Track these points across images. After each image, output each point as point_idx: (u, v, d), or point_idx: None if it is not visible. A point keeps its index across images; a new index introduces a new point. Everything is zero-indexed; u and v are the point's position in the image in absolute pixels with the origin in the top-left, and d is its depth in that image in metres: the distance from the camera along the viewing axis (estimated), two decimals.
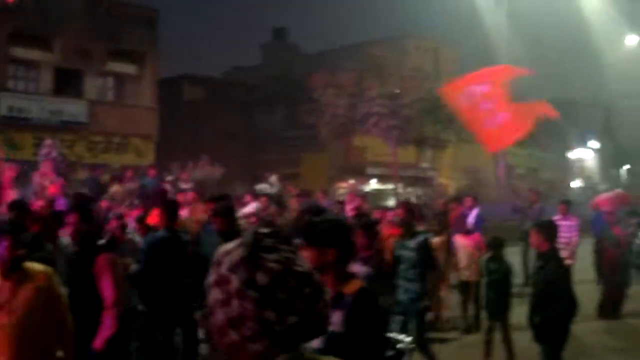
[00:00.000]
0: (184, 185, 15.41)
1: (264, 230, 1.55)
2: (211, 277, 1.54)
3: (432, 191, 31.33)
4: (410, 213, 7.52)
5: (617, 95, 54.43)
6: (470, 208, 11.82)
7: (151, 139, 25.20)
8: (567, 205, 11.67)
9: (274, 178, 18.53)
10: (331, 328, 2.87)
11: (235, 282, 1.48)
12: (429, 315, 8.49)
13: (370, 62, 24.79)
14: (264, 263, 1.48)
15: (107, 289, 4.95)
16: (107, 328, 4.85)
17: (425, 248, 7.21)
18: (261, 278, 1.47)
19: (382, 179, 32.01)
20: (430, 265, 7.31)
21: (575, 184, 45.63)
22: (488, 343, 7.58)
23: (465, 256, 9.27)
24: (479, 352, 7.73)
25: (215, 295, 1.51)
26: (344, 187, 31.19)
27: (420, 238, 7.27)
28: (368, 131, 24.97)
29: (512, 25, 27.99)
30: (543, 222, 6.92)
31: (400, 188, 31.27)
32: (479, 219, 11.51)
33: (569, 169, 48.22)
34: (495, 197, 28.65)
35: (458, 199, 13.69)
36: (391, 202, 26.40)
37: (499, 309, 7.51)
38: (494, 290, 7.58)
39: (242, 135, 33.25)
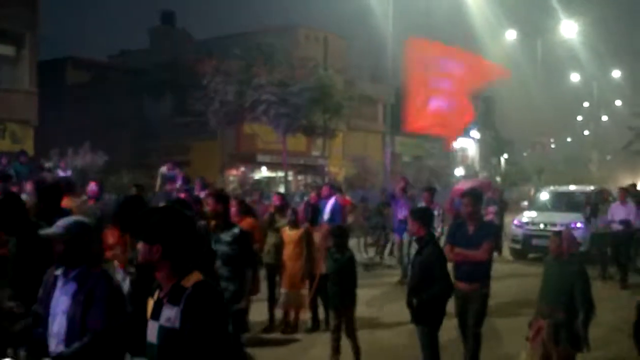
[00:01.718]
0: (61, 173, 14.91)
1: None
2: None
3: (321, 179, 31.82)
4: (222, 203, 6.65)
5: (497, 87, 57.17)
6: (327, 197, 11.81)
7: (30, 124, 24.03)
8: (431, 193, 12.15)
9: (164, 168, 17.90)
10: (167, 324, 2.87)
11: None
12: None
13: (259, 50, 24.76)
14: None
15: None
16: None
17: (241, 242, 6.48)
18: None
19: (272, 166, 32.16)
20: (249, 261, 6.63)
21: (458, 171, 47.61)
22: (336, 341, 7.11)
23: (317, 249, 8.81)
24: (325, 352, 7.36)
25: None
26: (234, 175, 31.17)
27: (236, 230, 6.55)
28: (257, 119, 24.96)
29: (399, 16, 28.72)
30: (418, 209, 7.61)
31: (290, 176, 31.55)
32: (336, 207, 11.46)
33: (452, 157, 50.20)
34: (381, 185, 29.44)
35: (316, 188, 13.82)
36: (281, 190, 26.64)
37: (344, 303, 7.08)
38: (337, 283, 7.09)
39: (129, 122, 32.35)
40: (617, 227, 13.45)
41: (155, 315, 2.94)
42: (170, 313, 2.87)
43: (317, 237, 8.93)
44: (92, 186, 10.02)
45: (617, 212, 13.70)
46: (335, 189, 12.86)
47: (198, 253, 3.09)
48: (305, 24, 38.58)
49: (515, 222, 17.54)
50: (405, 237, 12.00)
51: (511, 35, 44.36)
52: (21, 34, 24.20)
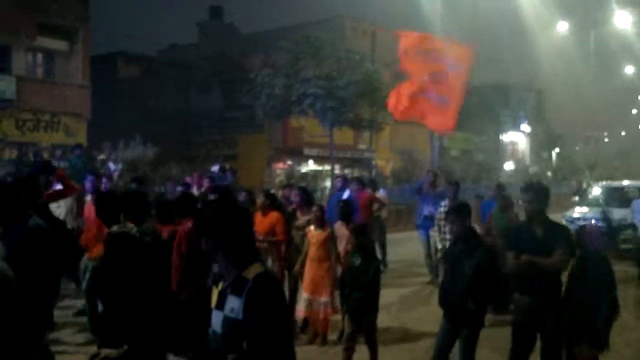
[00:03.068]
0: (112, 166, 15.19)
1: None
2: None
3: (369, 172, 31.72)
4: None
5: (548, 80, 56.03)
6: (340, 190, 11.21)
7: (82, 117, 24.60)
8: (456, 188, 11.02)
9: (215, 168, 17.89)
10: (231, 314, 2.92)
11: None
12: None
13: (306, 43, 24.78)
14: None
15: None
16: None
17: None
18: None
19: (319, 160, 32.19)
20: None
21: (508, 166, 46.90)
22: (348, 351, 6.41)
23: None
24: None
25: None
26: (281, 168, 31.33)
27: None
28: (304, 112, 25.01)
29: (447, 9, 28.32)
30: (458, 204, 6.64)
31: (337, 169, 31.53)
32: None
33: (501, 152, 49.48)
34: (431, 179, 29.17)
35: (288, 185, 12.99)
36: (327, 184, 26.68)
37: (364, 310, 6.41)
38: (357, 287, 6.35)
39: (177, 115, 32.80)
40: None
41: (220, 305, 3.00)
42: (233, 304, 2.93)
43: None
44: (88, 181, 9.29)
45: None
46: (362, 182, 11.89)
47: (251, 245, 3.13)
48: (351, 16, 38.39)
49: (566, 217, 17.14)
50: (432, 235, 11.37)
51: (563, 27, 43.31)
52: (74, 28, 24.76)
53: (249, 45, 30.01)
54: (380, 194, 14.07)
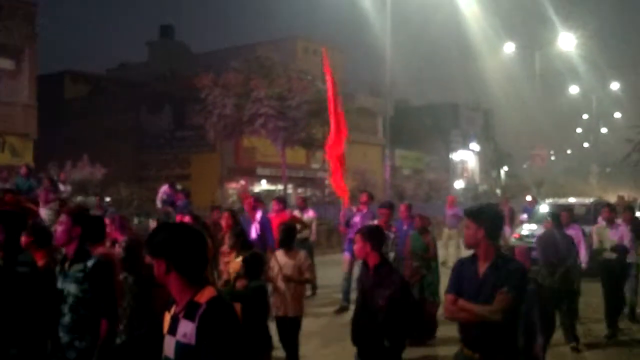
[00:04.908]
0: (62, 187, 14.82)
1: None
2: None
3: (321, 192, 31.78)
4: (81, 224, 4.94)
5: (496, 99, 57.33)
6: (252, 211, 10.28)
7: (29, 137, 24.03)
8: (390, 210, 9.75)
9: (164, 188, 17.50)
10: (184, 340, 2.86)
11: None
12: None
13: (257, 62, 24.79)
14: None
15: None
16: None
17: (94, 279, 4.65)
18: None
19: (272, 179, 32.12)
20: (107, 308, 4.64)
21: (458, 184, 47.58)
22: None
23: None
24: None
25: None
26: (233, 188, 31.15)
27: (89, 263, 4.61)
28: (256, 132, 24.93)
29: (398, 30, 28.78)
30: (369, 227, 5.74)
31: (290, 189, 31.50)
32: (265, 224, 9.98)
33: (452, 170, 50.23)
34: (382, 198, 29.38)
35: (215, 207, 12.05)
36: None
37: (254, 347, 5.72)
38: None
39: (127, 135, 32.37)
40: (609, 255, 9.74)
41: (172, 330, 2.95)
42: (186, 329, 2.87)
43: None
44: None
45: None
46: (283, 202, 11.20)
47: (204, 268, 3.04)
48: (303, 36, 38.67)
49: (515, 235, 17.43)
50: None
51: (509, 48, 44.43)
52: (20, 47, 24.26)
53: (200, 65, 29.83)
54: (309, 214, 13.25)
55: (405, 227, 10.07)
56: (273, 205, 11.22)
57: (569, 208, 11.09)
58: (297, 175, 32.78)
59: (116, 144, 30.33)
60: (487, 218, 4.23)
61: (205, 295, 2.92)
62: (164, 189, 15.57)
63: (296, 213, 13.14)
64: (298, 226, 10.46)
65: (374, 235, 5.20)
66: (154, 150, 32.33)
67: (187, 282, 2.94)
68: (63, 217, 4.78)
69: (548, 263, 8.80)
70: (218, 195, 25.34)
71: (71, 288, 4.52)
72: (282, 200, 11.87)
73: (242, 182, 31.29)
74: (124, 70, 41.16)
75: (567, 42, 42.18)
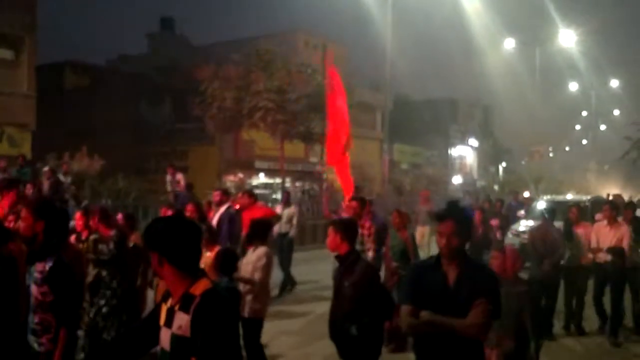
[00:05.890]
0: (63, 178, 14.91)
1: None
2: None
3: (319, 186, 31.80)
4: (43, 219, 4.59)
5: (495, 95, 57.29)
6: (219, 205, 10.04)
7: (27, 128, 24.01)
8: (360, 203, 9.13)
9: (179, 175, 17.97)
10: (179, 332, 2.88)
11: None
12: None
13: (258, 56, 24.77)
14: None
15: None
16: None
17: (54, 281, 4.31)
18: None
19: (270, 173, 32.13)
20: (65, 313, 4.27)
21: (456, 179, 47.62)
22: None
23: None
24: None
25: None
26: (231, 181, 31.14)
27: (49, 263, 4.27)
28: (255, 125, 24.94)
29: (398, 24, 28.76)
30: (341, 220, 5.90)
31: (288, 182, 31.50)
32: (227, 219, 9.64)
33: (450, 166, 50.27)
34: (379, 192, 29.42)
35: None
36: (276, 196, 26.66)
37: None
38: None
39: (127, 126, 32.33)
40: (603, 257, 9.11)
41: (168, 322, 2.96)
42: (181, 321, 2.89)
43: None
44: None
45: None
46: (253, 196, 10.87)
47: (198, 260, 3.08)
48: (304, 29, 38.61)
49: (512, 230, 17.48)
50: None
51: (510, 43, 44.39)
52: (20, 37, 24.20)
53: (200, 57, 29.81)
54: (290, 209, 13.05)
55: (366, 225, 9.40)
56: (214, 197, 10.61)
57: (578, 205, 10.34)
58: (295, 169, 32.78)
59: (115, 136, 30.29)
60: (459, 220, 3.74)
61: (200, 287, 2.93)
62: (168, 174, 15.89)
63: (278, 207, 13.12)
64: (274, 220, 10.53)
65: (345, 227, 5.12)
66: (153, 142, 32.30)
67: (181, 275, 2.95)
68: (24, 212, 4.48)
69: (537, 255, 9.06)
70: (217, 188, 25.33)
71: (32, 288, 4.29)
72: (252, 193, 11.48)
73: (240, 175, 31.30)
74: (124, 62, 41.09)
75: (568, 38, 42.19)
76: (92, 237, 7.04)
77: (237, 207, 10.62)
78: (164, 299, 3.09)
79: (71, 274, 4.35)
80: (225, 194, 10.50)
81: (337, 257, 5.12)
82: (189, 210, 8.25)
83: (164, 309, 3.05)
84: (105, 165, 21.18)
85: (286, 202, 13.38)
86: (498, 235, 13.55)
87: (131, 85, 34.57)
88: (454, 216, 3.75)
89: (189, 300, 2.90)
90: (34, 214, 4.38)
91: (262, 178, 33.14)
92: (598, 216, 11.53)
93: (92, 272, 6.58)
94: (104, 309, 6.44)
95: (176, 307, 2.94)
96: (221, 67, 24.58)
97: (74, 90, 34.46)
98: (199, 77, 24.35)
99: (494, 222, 13.70)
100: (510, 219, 17.69)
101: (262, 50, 24.99)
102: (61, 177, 16.19)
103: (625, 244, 8.84)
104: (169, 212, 8.46)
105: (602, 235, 9.09)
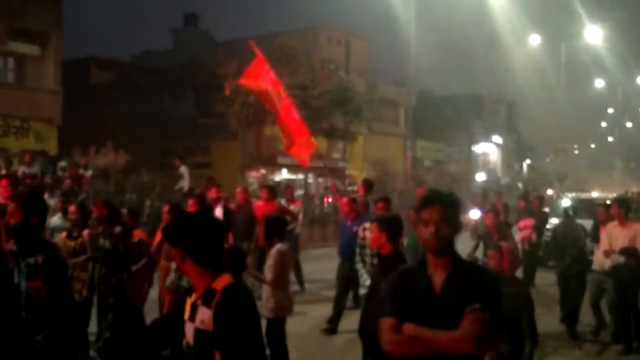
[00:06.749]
0: (82, 172, 15.07)
1: None
2: None
3: (342, 182, 31.78)
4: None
5: (520, 91, 56.76)
6: (215, 203, 9.95)
7: (54, 123, 24.29)
8: (387, 204, 8.80)
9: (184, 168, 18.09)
10: (202, 326, 2.92)
11: None
12: None
13: (281, 51, 24.79)
14: None
15: None
16: None
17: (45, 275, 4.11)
18: None
19: (292, 169, 32.17)
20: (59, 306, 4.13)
21: (480, 176, 47.32)
22: None
23: None
24: None
25: None
26: (254, 177, 31.26)
27: (38, 258, 4.07)
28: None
29: (422, 19, 28.62)
30: (386, 217, 5.59)
31: (310, 178, 31.54)
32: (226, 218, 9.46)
33: (473, 162, 49.92)
34: (402, 188, 29.37)
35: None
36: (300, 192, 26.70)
37: None
38: None
39: (150, 122, 32.57)
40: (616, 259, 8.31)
41: (192, 317, 3.01)
42: (203, 316, 2.93)
43: None
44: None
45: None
46: (273, 192, 10.65)
47: (220, 256, 3.11)
48: (326, 25, 38.54)
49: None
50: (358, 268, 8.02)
51: (535, 39, 43.98)
52: (46, 33, 24.47)
53: (223, 53, 29.89)
54: (295, 205, 12.86)
55: (349, 224, 9.12)
56: (262, 194, 10.71)
57: (605, 204, 9.48)
58: (318, 165, 32.79)
59: (139, 130, 30.53)
60: (445, 210, 3.10)
61: (222, 282, 2.98)
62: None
63: (283, 203, 12.64)
64: (288, 218, 9.91)
65: (390, 226, 4.89)
66: (177, 137, 32.51)
67: (204, 270, 3.00)
68: (12, 206, 4.22)
69: (558, 247, 9.29)
70: (239, 183, 25.43)
71: (23, 284, 4.05)
72: (272, 189, 11.35)
73: (263, 171, 31.39)
74: (148, 58, 41.38)
75: (594, 34, 41.67)
76: (87, 232, 6.96)
77: (233, 206, 10.67)
78: (188, 294, 3.13)
79: (64, 267, 4.26)
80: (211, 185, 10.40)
81: (378, 256, 5.02)
82: (191, 205, 8.09)
83: (188, 304, 3.10)
84: (130, 160, 21.35)
85: (290, 198, 13.22)
86: (533, 237, 12.86)
87: (155, 80, 34.80)
88: (442, 200, 3.10)
89: (211, 295, 2.94)
90: (22, 208, 4.14)
91: (284, 174, 33.19)
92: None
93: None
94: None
95: (199, 302, 2.98)
96: (244, 63, 24.62)
97: (99, 85, 34.79)
98: (222, 72, 24.43)
99: (528, 222, 12.98)
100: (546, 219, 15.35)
101: (285, 46, 25.01)
102: (81, 171, 16.39)
103: (639, 244, 8.11)
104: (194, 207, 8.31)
105: (614, 236, 8.37)
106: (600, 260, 8.49)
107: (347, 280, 9.11)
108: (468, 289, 2.94)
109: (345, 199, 9.75)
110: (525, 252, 12.37)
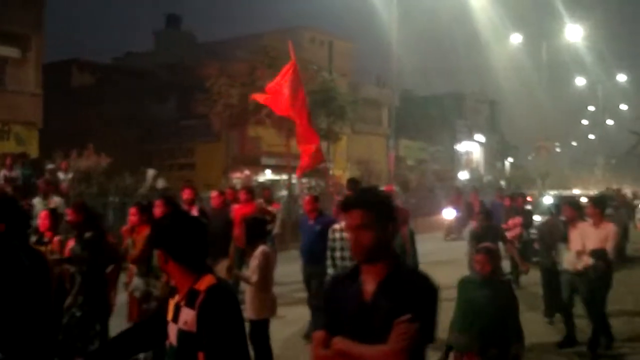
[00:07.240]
0: (62, 175, 14.93)
1: None
2: None
3: (325, 182, 31.79)
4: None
5: (502, 90, 57.13)
6: (190, 205, 9.56)
7: (35, 126, 24.11)
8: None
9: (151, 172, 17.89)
10: (185, 327, 2.92)
11: None
12: None
13: (263, 52, 24.77)
14: None
15: None
16: None
17: None
18: None
19: (276, 169, 32.14)
20: None
21: (463, 175, 47.57)
22: None
23: None
24: None
25: None
26: (238, 178, 31.18)
27: None
28: (261, 121, 24.97)
29: (405, 20, 28.72)
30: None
31: (294, 179, 31.52)
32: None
33: (456, 161, 50.18)
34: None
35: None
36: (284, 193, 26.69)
37: None
38: None
39: (133, 124, 32.41)
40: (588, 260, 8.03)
41: (175, 318, 3.00)
42: (187, 317, 2.92)
43: None
44: None
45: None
46: (251, 192, 10.49)
47: (204, 257, 3.10)
48: (310, 26, 38.61)
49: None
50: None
51: (516, 38, 44.28)
52: (27, 36, 24.28)
53: (206, 54, 29.87)
54: (274, 207, 12.54)
55: (311, 223, 8.71)
56: (240, 196, 10.49)
57: (572, 202, 9.33)
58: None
59: (122, 133, 30.38)
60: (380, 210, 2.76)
61: (205, 283, 2.97)
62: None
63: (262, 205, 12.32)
64: (268, 217, 9.79)
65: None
66: (159, 139, 32.39)
67: (186, 271, 3.00)
68: None
69: (544, 244, 9.56)
70: (223, 184, 25.39)
71: None
72: (251, 190, 11.18)
73: (247, 171, 31.34)
74: (131, 60, 41.21)
75: (574, 33, 42.03)
76: (57, 238, 6.82)
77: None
78: (171, 295, 3.12)
79: (47, 274, 3.99)
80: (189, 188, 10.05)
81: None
82: (158, 205, 7.53)
83: (171, 305, 3.09)
84: (112, 163, 21.22)
85: (268, 198, 12.96)
86: (524, 234, 13.00)
87: (137, 82, 34.65)
88: (363, 203, 2.74)
89: (194, 295, 2.93)
90: None
91: (268, 175, 33.17)
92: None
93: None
94: (77, 314, 6.34)
95: (182, 303, 2.98)
96: (227, 64, 24.62)
97: (80, 88, 34.56)
98: (205, 74, 24.39)
99: (517, 220, 13.12)
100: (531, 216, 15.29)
101: (268, 46, 25.00)
102: (61, 175, 16.26)
103: (609, 246, 7.83)
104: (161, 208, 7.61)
105: (587, 236, 8.07)
106: (572, 260, 8.18)
107: (310, 283, 8.62)
108: (400, 297, 2.63)
109: (307, 197, 9.30)
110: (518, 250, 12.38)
